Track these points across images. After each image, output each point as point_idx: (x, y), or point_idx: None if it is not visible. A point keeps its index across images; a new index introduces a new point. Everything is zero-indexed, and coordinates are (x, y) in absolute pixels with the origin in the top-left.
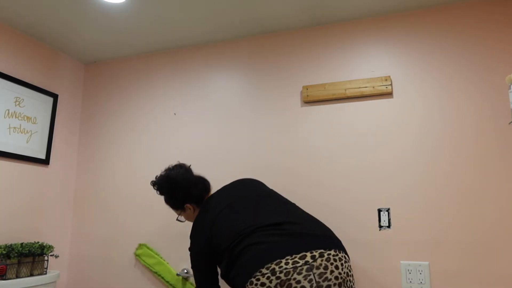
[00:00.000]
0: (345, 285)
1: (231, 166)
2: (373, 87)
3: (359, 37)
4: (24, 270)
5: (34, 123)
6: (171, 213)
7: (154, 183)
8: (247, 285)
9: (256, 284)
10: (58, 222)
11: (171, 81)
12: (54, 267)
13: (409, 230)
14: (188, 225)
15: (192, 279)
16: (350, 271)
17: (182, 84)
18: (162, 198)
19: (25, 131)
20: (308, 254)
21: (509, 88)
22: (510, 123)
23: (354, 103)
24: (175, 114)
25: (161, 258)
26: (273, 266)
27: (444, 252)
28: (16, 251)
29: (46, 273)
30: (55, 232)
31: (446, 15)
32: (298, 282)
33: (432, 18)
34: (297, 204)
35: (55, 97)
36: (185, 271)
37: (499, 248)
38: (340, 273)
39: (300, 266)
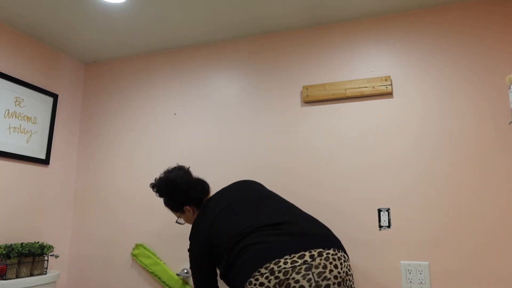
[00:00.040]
0: (345, 284)
1: (231, 166)
2: (373, 87)
3: (359, 37)
4: (24, 270)
5: (34, 123)
6: (171, 213)
7: (153, 186)
8: (246, 285)
9: (255, 284)
10: (58, 222)
11: (171, 81)
12: (54, 267)
13: (409, 230)
14: (189, 225)
15: (191, 280)
16: (349, 270)
17: (182, 84)
18: (162, 199)
19: (25, 131)
20: (307, 254)
21: (509, 88)
22: (510, 123)
23: (354, 103)
24: (175, 114)
25: (158, 258)
26: (271, 265)
27: (444, 252)
28: (16, 251)
29: (46, 273)
30: (55, 232)
31: (446, 15)
32: (297, 281)
33: (432, 18)
34: (297, 204)
35: (55, 97)
36: (185, 271)
37: (499, 248)
38: (339, 272)
39: (299, 265)
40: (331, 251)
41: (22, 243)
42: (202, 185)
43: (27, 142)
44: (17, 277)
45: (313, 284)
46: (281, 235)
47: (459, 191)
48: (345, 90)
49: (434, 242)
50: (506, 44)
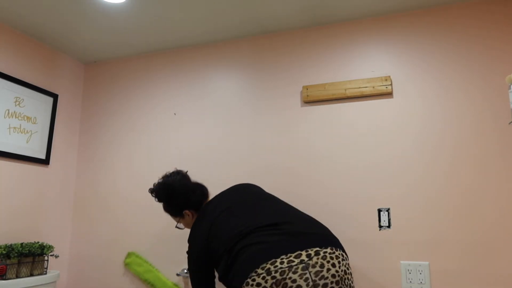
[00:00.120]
0: (343, 283)
1: (231, 166)
2: (373, 87)
3: (359, 37)
4: (24, 270)
5: (34, 123)
6: None
7: (152, 191)
8: (243, 286)
9: (252, 285)
10: (58, 222)
11: (171, 81)
12: (54, 267)
13: (409, 230)
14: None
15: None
16: (348, 269)
17: (182, 84)
18: None
19: (25, 131)
20: (304, 253)
21: (509, 88)
22: (510, 123)
23: (354, 103)
24: (175, 114)
25: (150, 265)
26: (268, 266)
27: (444, 252)
28: (16, 251)
29: (46, 273)
30: (55, 232)
31: (446, 15)
32: (294, 281)
33: (432, 18)
34: (297, 204)
35: (55, 97)
36: (185, 271)
37: (499, 248)
38: (337, 271)
39: (296, 265)
40: (328, 250)
41: (22, 243)
42: (201, 189)
43: (27, 142)
44: (17, 277)
45: (311, 283)
46: (278, 235)
47: (459, 191)
48: (345, 90)
49: (434, 242)
50: (506, 44)
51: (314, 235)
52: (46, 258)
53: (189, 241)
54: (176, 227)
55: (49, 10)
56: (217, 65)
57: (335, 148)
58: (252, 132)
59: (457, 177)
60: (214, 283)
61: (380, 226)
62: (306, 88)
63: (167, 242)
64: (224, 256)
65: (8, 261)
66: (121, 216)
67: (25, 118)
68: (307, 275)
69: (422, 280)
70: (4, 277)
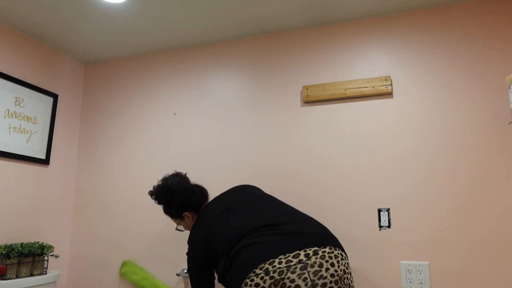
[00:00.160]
0: (342, 282)
1: (231, 166)
2: (373, 87)
3: (359, 37)
4: (24, 270)
5: (34, 123)
6: None
7: (151, 193)
8: (242, 287)
9: (250, 285)
10: (58, 222)
11: (171, 81)
12: (54, 267)
13: (409, 230)
14: None
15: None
16: (347, 268)
17: (182, 84)
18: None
19: (25, 131)
20: (302, 253)
21: (509, 88)
22: (510, 123)
23: (354, 103)
24: (175, 114)
25: (146, 272)
26: (266, 266)
27: (444, 252)
28: (16, 251)
29: (46, 273)
30: (55, 232)
31: (446, 15)
32: (292, 281)
33: (432, 18)
34: (297, 204)
35: (55, 97)
36: (185, 271)
37: (499, 248)
38: (336, 271)
39: (294, 264)
40: (327, 249)
41: (22, 243)
42: (200, 191)
43: (27, 142)
44: (17, 277)
45: (309, 283)
46: (276, 235)
47: (459, 191)
48: (345, 90)
49: (434, 242)
50: (506, 44)
51: (313, 235)
52: (46, 258)
53: (188, 242)
54: (176, 229)
55: (49, 10)
56: (217, 65)
57: (335, 148)
58: (252, 132)
59: (457, 177)
60: (214, 284)
61: (380, 226)
62: (306, 88)
63: (167, 242)
64: (223, 256)
65: (8, 261)
66: (121, 216)
67: (25, 118)
68: (306, 275)
69: (422, 280)
70: (4, 277)
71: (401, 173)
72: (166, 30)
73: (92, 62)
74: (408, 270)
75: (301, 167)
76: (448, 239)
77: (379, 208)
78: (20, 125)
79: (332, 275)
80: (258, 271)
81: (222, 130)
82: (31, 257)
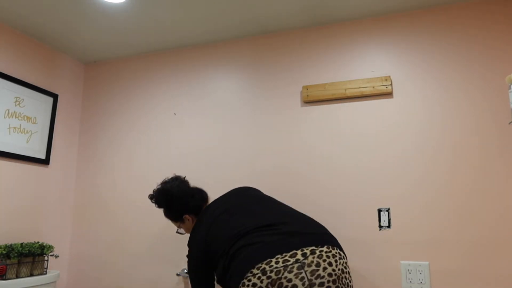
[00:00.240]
0: (340, 282)
1: (231, 166)
2: (373, 87)
3: (359, 37)
4: (24, 270)
5: (34, 123)
6: None
7: (151, 197)
8: (240, 287)
9: (248, 285)
10: (58, 222)
11: (171, 81)
12: (54, 267)
13: (409, 230)
14: None
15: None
16: (345, 268)
17: (182, 84)
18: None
19: (25, 131)
20: (299, 252)
21: (509, 88)
22: (510, 123)
23: (354, 103)
24: (175, 114)
25: None
26: (263, 266)
27: (444, 252)
28: (16, 251)
29: (46, 273)
30: (55, 232)
31: (446, 15)
32: (289, 280)
33: (432, 18)
34: (296, 204)
35: (55, 97)
36: (185, 271)
37: (499, 248)
38: (334, 270)
39: (291, 264)
40: (324, 249)
41: (22, 243)
42: (200, 193)
43: (27, 142)
44: (17, 277)
45: (306, 282)
46: (274, 235)
47: (459, 191)
48: (345, 90)
49: (434, 242)
50: (506, 44)
51: (311, 234)
52: (46, 258)
53: (189, 244)
54: (177, 232)
55: (49, 10)
56: (217, 65)
57: (335, 148)
58: (252, 132)
59: (457, 177)
60: (214, 285)
61: (380, 226)
62: (306, 88)
63: (167, 242)
64: (222, 257)
65: (8, 261)
66: (121, 216)
67: (25, 118)
68: (303, 274)
69: (422, 280)
70: (4, 277)
71: (401, 173)
72: (166, 30)
73: (92, 62)
74: (408, 270)
75: (301, 167)
76: (448, 239)
77: (379, 208)
78: (20, 125)
79: (329, 275)
80: (255, 271)
81: (222, 130)
82: (31, 257)
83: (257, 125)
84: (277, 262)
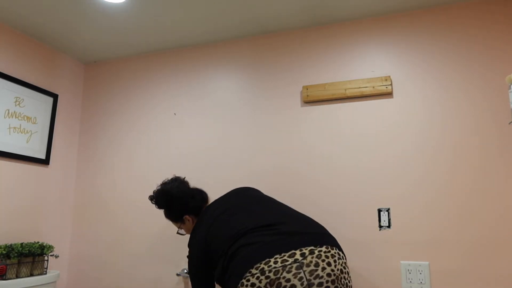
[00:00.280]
0: (339, 282)
1: (231, 166)
2: (373, 87)
3: (359, 37)
4: (24, 270)
5: (34, 123)
6: None
7: (151, 198)
8: (239, 287)
9: (246, 285)
10: (58, 222)
11: (171, 81)
12: (54, 267)
13: (409, 230)
14: None
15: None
16: (345, 268)
17: (182, 84)
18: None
19: (25, 131)
20: (298, 252)
21: (509, 88)
22: (510, 123)
23: (354, 103)
24: (175, 114)
25: None
26: (262, 265)
27: (444, 252)
28: (16, 251)
29: (46, 273)
30: (55, 232)
31: (446, 15)
32: (288, 280)
33: (432, 18)
34: (296, 204)
35: (55, 97)
36: (185, 271)
37: (499, 248)
38: (332, 270)
39: (290, 264)
40: (323, 249)
41: (22, 243)
42: (200, 194)
43: (27, 142)
44: (17, 277)
45: (305, 282)
46: (273, 235)
47: (459, 191)
48: (345, 90)
49: (434, 242)
50: (506, 44)
51: (309, 234)
52: (46, 258)
53: (189, 245)
54: (178, 233)
55: (49, 10)
56: (217, 65)
57: (335, 148)
58: (252, 132)
59: (457, 177)
60: (214, 286)
61: (380, 226)
62: (306, 88)
63: (167, 242)
64: (221, 257)
65: (8, 261)
66: (121, 216)
67: (25, 118)
68: (302, 274)
69: (422, 280)
70: (4, 277)
71: (401, 173)
72: (166, 30)
73: (92, 62)
74: (408, 270)
75: (301, 167)
76: (448, 239)
77: (379, 208)
78: (20, 125)
79: (328, 275)
80: (254, 271)
81: (222, 130)
82: (31, 257)
83: (257, 125)
84: (275, 262)
